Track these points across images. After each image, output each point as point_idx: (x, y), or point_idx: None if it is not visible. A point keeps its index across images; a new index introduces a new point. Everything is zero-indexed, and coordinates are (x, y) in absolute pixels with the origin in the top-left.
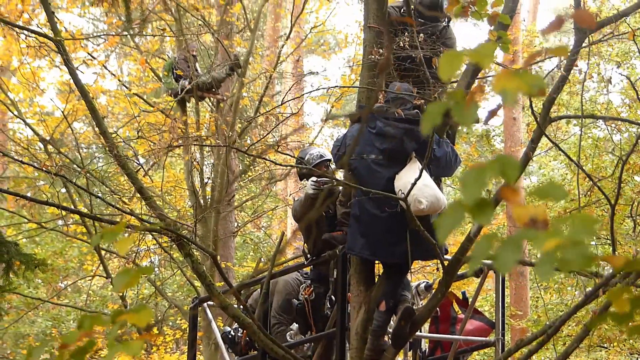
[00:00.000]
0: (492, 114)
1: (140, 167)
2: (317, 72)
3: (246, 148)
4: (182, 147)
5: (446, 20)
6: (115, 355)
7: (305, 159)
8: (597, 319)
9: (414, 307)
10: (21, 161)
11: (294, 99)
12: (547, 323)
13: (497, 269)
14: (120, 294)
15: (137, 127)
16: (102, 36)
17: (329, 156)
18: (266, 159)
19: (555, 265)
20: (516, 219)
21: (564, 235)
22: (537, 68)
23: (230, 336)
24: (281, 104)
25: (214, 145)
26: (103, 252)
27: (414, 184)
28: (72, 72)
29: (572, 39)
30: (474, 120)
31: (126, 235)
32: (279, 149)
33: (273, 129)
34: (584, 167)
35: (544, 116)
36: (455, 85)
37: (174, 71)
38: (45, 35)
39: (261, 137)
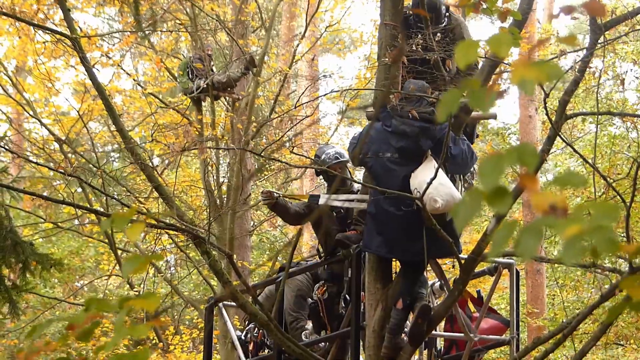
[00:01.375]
0: (500, 95)
1: (156, 166)
2: (332, 75)
3: (262, 148)
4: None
5: (445, 14)
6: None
7: (322, 158)
8: (617, 307)
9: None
10: (36, 163)
11: (309, 102)
12: (564, 321)
13: (518, 255)
14: (137, 293)
15: (153, 127)
16: (116, 34)
17: (346, 157)
18: (280, 161)
19: (580, 250)
20: (535, 207)
21: (586, 221)
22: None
23: (240, 340)
24: (296, 107)
25: (227, 148)
26: (119, 252)
27: (430, 183)
28: (88, 70)
29: (588, 37)
30: (491, 107)
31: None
32: (294, 150)
33: (288, 131)
34: (599, 165)
35: (559, 114)
36: None
37: (191, 70)
38: (61, 33)
39: (277, 139)
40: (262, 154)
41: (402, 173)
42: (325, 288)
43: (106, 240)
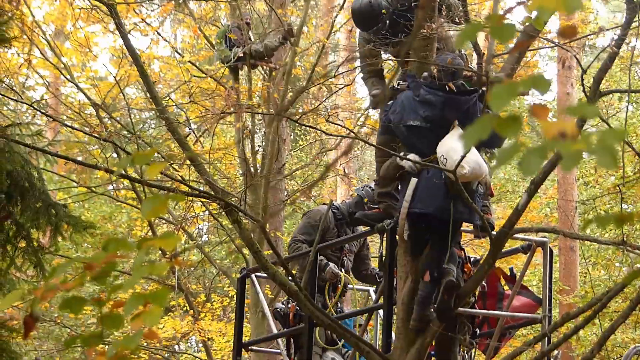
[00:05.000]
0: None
1: (191, 131)
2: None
3: (297, 117)
4: (233, 114)
5: None
6: (137, 284)
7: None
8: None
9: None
10: (72, 127)
11: (346, 72)
12: (594, 298)
13: (521, 171)
14: (168, 260)
15: (189, 92)
16: (156, 1)
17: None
18: (315, 128)
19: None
20: (545, 133)
21: (593, 141)
22: (590, 44)
23: (282, 313)
24: (334, 76)
25: (265, 113)
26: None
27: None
28: (124, 36)
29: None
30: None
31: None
32: (329, 118)
33: (325, 99)
34: (634, 144)
35: (593, 91)
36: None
37: (229, 38)
38: None
39: (314, 107)
40: (298, 121)
41: (430, 141)
42: None
43: (139, 206)
